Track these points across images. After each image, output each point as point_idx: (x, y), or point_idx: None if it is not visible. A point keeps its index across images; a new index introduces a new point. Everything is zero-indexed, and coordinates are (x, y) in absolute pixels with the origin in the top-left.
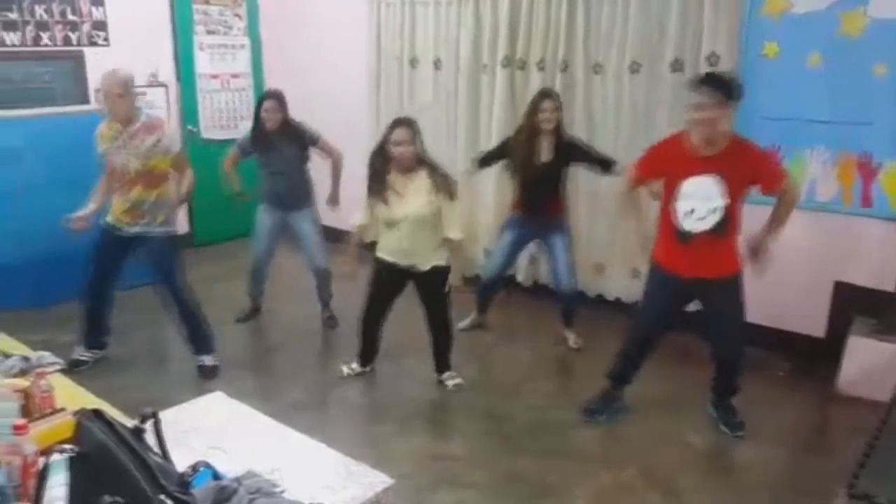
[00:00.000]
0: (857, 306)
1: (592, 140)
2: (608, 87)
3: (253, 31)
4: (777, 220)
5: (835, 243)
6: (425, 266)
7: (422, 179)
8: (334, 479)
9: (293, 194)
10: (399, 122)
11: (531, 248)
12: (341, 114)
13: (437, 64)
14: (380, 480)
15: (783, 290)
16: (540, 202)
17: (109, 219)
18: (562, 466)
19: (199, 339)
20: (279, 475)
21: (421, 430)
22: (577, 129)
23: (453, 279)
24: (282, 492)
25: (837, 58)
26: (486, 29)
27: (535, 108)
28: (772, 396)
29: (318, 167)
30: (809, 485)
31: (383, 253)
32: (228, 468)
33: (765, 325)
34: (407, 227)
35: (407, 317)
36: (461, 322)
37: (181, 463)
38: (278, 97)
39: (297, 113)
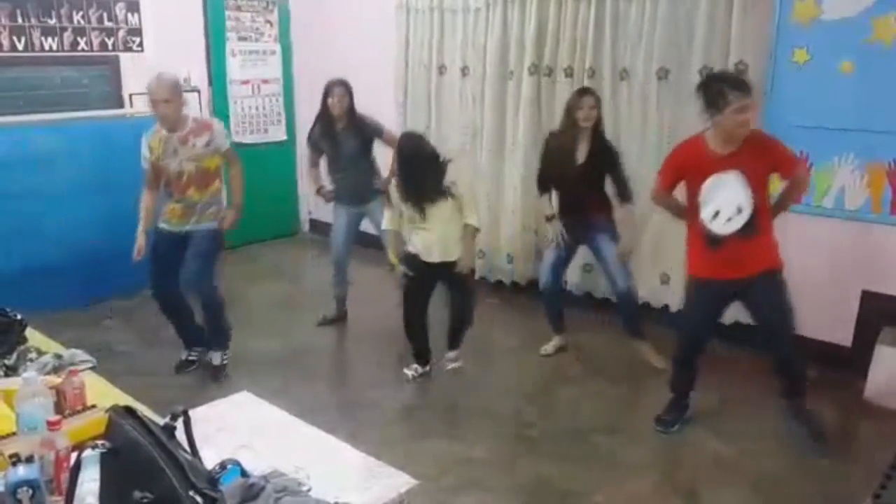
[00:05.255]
0: (884, 315)
1: (618, 146)
2: (634, 94)
3: (284, 38)
4: (783, 204)
5: (863, 251)
6: (452, 257)
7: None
8: (358, 480)
9: (364, 187)
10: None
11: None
12: None
13: (464, 71)
14: (403, 481)
15: (810, 298)
16: (578, 205)
17: (162, 223)
18: (584, 472)
19: (217, 334)
20: (304, 474)
21: (444, 432)
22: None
23: (465, 266)
24: (307, 490)
25: (869, 64)
26: (514, 36)
27: (573, 104)
28: None
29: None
30: (836, 494)
31: (417, 251)
32: (255, 466)
33: None
34: (434, 224)
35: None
36: (543, 347)
37: (209, 460)
38: (346, 84)
39: None
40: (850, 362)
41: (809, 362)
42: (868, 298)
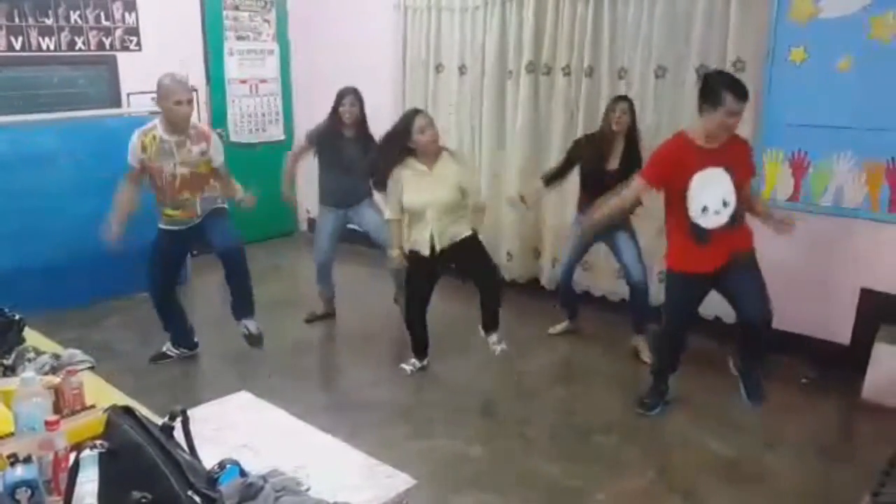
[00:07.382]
0: (883, 314)
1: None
2: (633, 93)
3: (282, 37)
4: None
5: (861, 250)
6: (458, 238)
7: (448, 164)
8: (357, 479)
9: (353, 191)
10: (416, 111)
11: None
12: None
13: (462, 70)
14: (402, 481)
15: (808, 296)
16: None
17: (166, 225)
18: (583, 470)
19: (245, 299)
20: (304, 474)
21: (442, 431)
22: None
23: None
24: (306, 490)
25: (867, 63)
26: (512, 35)
27: (608, 108)
28: (795, 403)
29: None
30: (834, 493)
31: (415, 246)
32: (254, 466)
33: (789, 332)
34: (432, 213)
35: (429, 319)
36: (552, 328)
37: (208, 460)
38: (357, 93)
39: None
40: (848, 360)
41: (808, 361)
42: (866, 296)
